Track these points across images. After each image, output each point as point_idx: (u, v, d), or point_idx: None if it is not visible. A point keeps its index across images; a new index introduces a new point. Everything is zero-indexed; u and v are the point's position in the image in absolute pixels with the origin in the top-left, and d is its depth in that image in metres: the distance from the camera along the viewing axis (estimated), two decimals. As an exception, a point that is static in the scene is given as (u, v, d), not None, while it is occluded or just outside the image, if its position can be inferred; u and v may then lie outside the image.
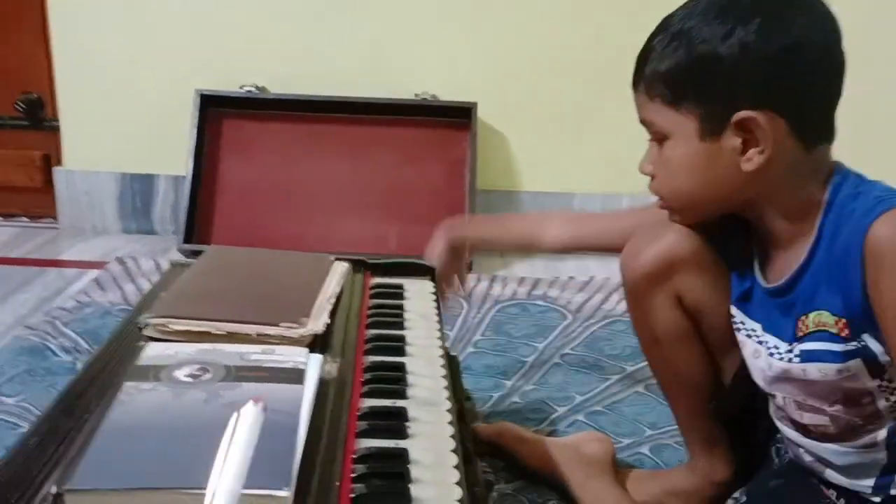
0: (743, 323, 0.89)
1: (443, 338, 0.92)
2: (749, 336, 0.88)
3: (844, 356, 0.77)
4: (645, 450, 1.17)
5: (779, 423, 0.89)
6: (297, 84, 2.04)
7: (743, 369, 0.91)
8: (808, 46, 0.75)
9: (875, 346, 0.75)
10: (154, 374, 0.71)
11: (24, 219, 2.23)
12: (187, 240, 1.96)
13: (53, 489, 0.54)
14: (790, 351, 0.82)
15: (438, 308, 1.02)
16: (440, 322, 0.97)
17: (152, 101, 2.07)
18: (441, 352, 0.88)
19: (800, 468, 0.90)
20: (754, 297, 0.87)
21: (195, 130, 2.00)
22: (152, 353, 0.76)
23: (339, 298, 0.94)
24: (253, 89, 2.03)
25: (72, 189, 2.14)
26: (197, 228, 1.99)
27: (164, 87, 2.06)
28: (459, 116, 2.03)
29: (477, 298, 1.72)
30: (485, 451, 1.11)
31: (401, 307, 0.99)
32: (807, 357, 0.80)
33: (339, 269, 1.02)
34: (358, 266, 1.09)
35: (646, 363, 1.38)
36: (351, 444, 0.68)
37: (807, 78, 0.76)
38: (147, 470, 0.57)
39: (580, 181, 2.12)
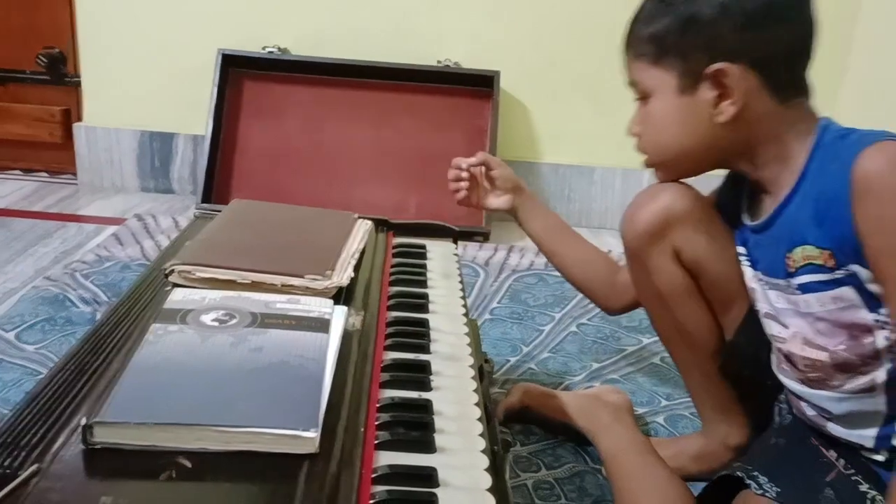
0: (747, 258, 0.91)
1: (464, 297, 0.92)
2: (750, 266, 0.90)
3: (835, 283, 0.78)
4: (660, 419, 1.17)
5: (780, 376, 0.90)
6: (319, 47, 2.03)
7: (746, 324, 0.92)
8: (782, 7, 0.80)
9: (863, 273, 0.76)
10: (181, 317, 0.71)
11: (45, 174, 2.24)
12: (205, 200, 1.96)
13: (83, 421, 0.55)
14: (788, 285, 0.83)
15: (460, 269, 1.01)
16: (462, 283, 0.96)
17: (174, 59, 2.06)
18: (463, 310, 0.88)
19: (801, 428, 0.90)
20: (749, 240, 0.90)
21: (216, 90, 1.99)
22: (178, 297, 0.76)
23: (362, 255, 0.94)
24: (275, 50, 2.02)
25: (92, 145, 2.14)
26: (215, 189, 1.99)
27: (185, 46, 2.05)
28: (482, 85, 2.01)
29: (494, 267, 1.71)
30: (514, 416, 1.12)
31: (424, 266, 0.98)
32: (805, 289, 0.81)
33: (363, 227, 1.02)
34: (381, 225, 1.09)
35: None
36: (375, 393, 0.68)
37: (779, 35, 0.80)
38: (175, 406, 0.58)
39: (601, 155, 2.11)
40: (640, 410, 1.18)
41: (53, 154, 2.22)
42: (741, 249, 0.91)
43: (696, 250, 0.93)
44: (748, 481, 0.83)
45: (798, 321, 0.84)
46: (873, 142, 0.74)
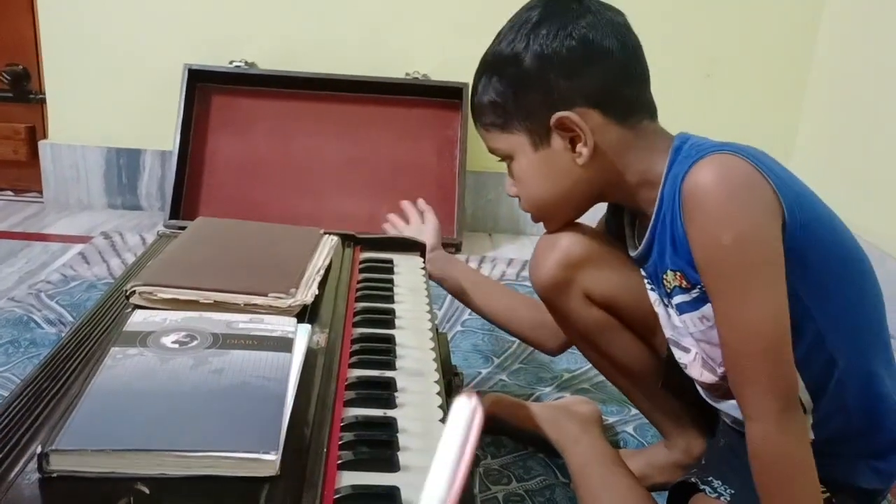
0: (646, 279, 0.92)
1: (432, 311, 0.92)
2: (652, 290, 0.92)
3: (697, 302, 0.81)
4: (630, 428, 1.18)
5: (700, 389, 0.92)
6: (287, 60, 2.03)
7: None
8: (593, 45, 0.82)
9: None
10: (141, 339, 0.70)
11: (9, 192, 2.20)
12: (174, 216, 1.94)
13: (39, 449, 0.54)
14: (669, 306, 0.86)
15: (427, 283, 1.01)
16: (429, 297, 0.97)
17: (140, 74, 2.04)
18: (430, 325, 0.88)
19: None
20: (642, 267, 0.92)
21: (183, 105, 1.98)
22: (139, 319, 0.75)
23: (328, 271, 0.94)
24: (242, 64, 2.01)
25: (57, 163, 2.11)
26: (184, 205, 1.97)
27: (152, 61, 2.03)
28: (451, 97, 2.02)
29: (465, 278, 1.71)
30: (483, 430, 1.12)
31: (391, 281, 0.98)
32: (681, 309, 0.84)
33: (329, 243, 1.01)
34: (347, 241, 1.08)
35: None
36: (339, 412, 0.67)
37: (601, 70, 0.82)
38: (133, 432, 0.57)
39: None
40: (610, 420, 1.19)
41: (18, 172, 2.19)
42: (643, 273, 0.92)
43: (606, 287, 0.94)
44: (702, 486, 0.84)
45: (691, 342, 0.86)
46: (706, 154, 0.76)
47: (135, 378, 0.64)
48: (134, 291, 0.80)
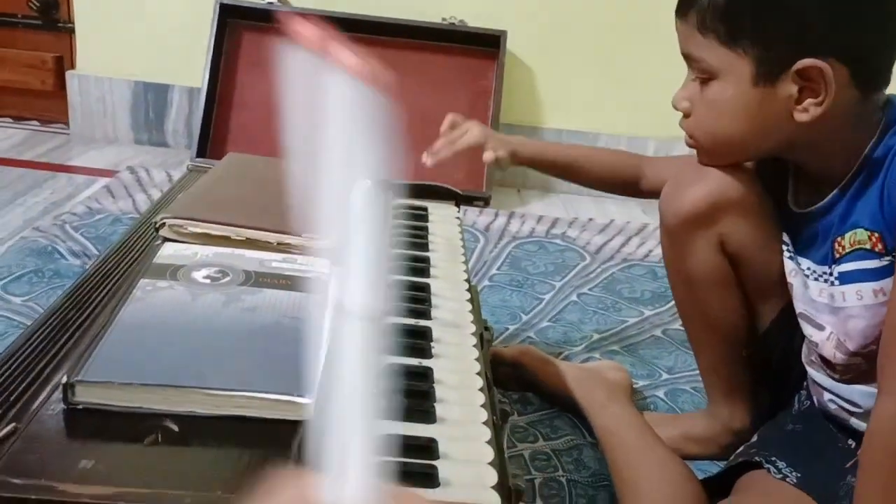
0: (787, 245, 0.86)
1: (467, 262, 0.89)
2: (790, 258, 0.85)
3: (880, 273, 0.74)
4: (660, 393, 1.15)
5: (809, 368, 0.87)
6: (320, 0, 1.97)
7: (782, 316, 0.88)
8: None
9: None
10: (171, 273, 0.68)
11: (35, 122, 2.18)
12: (200, 154, 1.91)
13: (65, 379, 0.51)
14: (830, 273, 0.79)
15: (462, 234, 0.98)
16: (464, 248, 0.93)
17: (171, 7, 1.99)
18: (465, 276, 0.85)
19: (820, 415, 0.88)
20: (793, 227, 0.85)
21: (213, 41, 1.93)
22: (169, 252, 0.72)
23: (361, 215, 0.91)
24: (275, 1, 1.95)
25: (84, 95, 2.08)
26: (211, 143, 1.94)
27: (183, -6, 1.98)
28: (487, 45, 1.96)
29: (494, 233, 1.68)
30: (505, 374, 1.09)
31: (425, 229, 0.95)
32: (845, 279, 0.77)
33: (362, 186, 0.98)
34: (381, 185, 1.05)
35: (664, 309, 1.38)
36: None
37: (873, 24, 0.73)
38: (163, 367, 0.55)
39: (606, 121, 2.06)
40: (640, 384, 1.16)
41: (45, 102, 2.16)
42: (785, 238, 0.86)
43: (744, 240, 0.87)
44: (766, 465, 0.80)
45: (832, 319, 0.80)
46: None
47: (165, 312, 0.61)
48: (164, 223, 0.77)
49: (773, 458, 0.83)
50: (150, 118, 2.08)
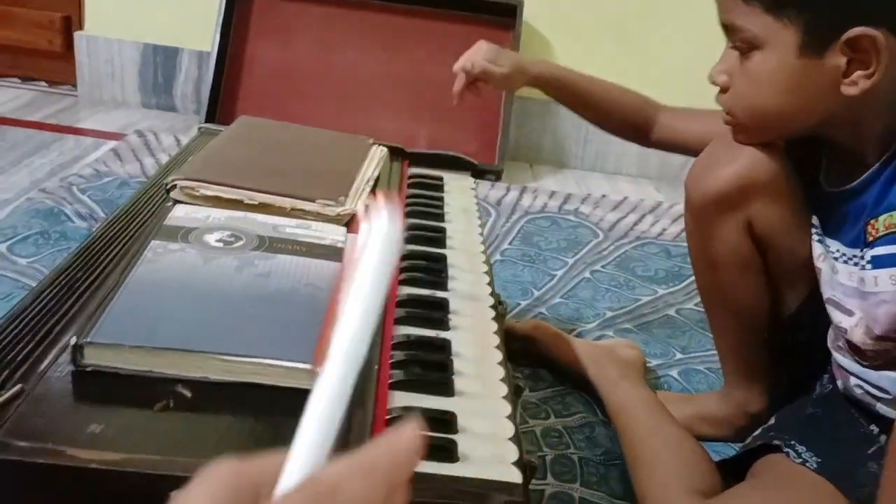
0: (815, 227, 0.83)
1: (483, 234, 0.87)
2: (819, 241, 0.83)
3: None
4: (674, 373, 1.13)
5: (836, 353, 0.85)
6: (335, -36, 1.92)
7: (809, 300, 0.86)
8: None
9: None
10: (183, 235, 0.66)
11: (43, 83, 2.15)
12: (209, 119, 1.88)
13: (73, 340, 0.50)
14: (861, 257, 0.76)
15: (479, 205, 0.96)
16: (481, 219, 0.91)
17: (181, -31, 1.96)
18: (482, 247, 0.83)
19: (841, 400, 0.86)
20: (824, 207, 0.82)
21: (224, 4, 1.89)
22: (181, 213, 0.70)
23: (376, 182, 0.88)
24: (288, -34, 1.91)
25: (93, 56, 2.04)
26: (220, 109, 1.91)
27: (194, -45, 1.94)
28: (504, 14, 1.91)
29: (506, 208, 1.65)
30: (517, 349, 1.07)
31: (441, 199, 0.93)
32: (878, 263, 0.74)
33: (378, 153, 0.95)
34: (396, 154, 1.02)
35: (679, 288, 1.36)
36: (389, 329, 0.63)
37: None
38: (175, 331, 0.53)
39: (623, 96, 2.02)
40: (653, 363, 1.14)
41: (53, 63, 2.12)
42: (814, 220, 0.83)
43: (772, 224, 0.84)
44: (786, 449, 0.78)
45: (861, 304, 0.78)
46: None
47: (176, 274, 0.59)
48: (175, 185, 0.75)
49: (793, 442, 0.81)
50: (159, 82, 2.05)
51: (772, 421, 0.91)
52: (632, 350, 1.09)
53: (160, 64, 2.03)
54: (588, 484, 0.88)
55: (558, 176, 1.99)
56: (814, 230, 0.84)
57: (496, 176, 1.87)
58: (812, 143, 0.83)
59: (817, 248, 0.84)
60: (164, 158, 1.64)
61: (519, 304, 1.25)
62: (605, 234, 1.58)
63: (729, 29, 0.77)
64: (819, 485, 0.77)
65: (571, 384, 1.04)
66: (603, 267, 1.43)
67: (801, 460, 0.79)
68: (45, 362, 0.50)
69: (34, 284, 1.11)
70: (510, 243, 1.48)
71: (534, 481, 0.87)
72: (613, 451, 0.93)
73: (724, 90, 0.81)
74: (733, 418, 0.98)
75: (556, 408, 1.00)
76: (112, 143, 1.75)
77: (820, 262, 0.83)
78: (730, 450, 0.96)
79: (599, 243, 1.53)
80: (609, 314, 1.26)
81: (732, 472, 0.86)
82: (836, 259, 0.81)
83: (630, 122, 1.03)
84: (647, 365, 1.11)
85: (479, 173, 1.82)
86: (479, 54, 1.03)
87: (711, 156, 0.86)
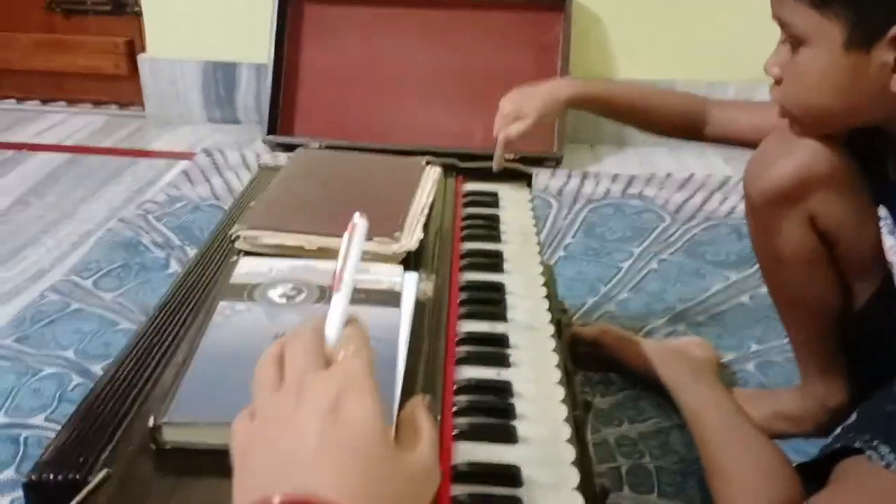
0: (884, 219, 0.81)
1: (542, 253, 0.87)
2: (890, 233, 0.80)
3: None
4: (750, 367, 1.11)
5: None
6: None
7: (879, 292, 0.83)
8: None
9: None
10: (249, 292, 0.68)
11: (114, 106, 2.24)
12: (271, 130, 1.93)
13: (151, 422, 0.53)
14: None
15: (535, 218, 0.95)
16: (538, 235, 0.91)
17: (232, -16, 1.99)
18: (541, 269, 0.83)
19: None
20: (887, 191, 0.80)
21: (276, 15, 1.92)
22: (245, 269, 0.73)
23: (431, 208, 0.89)
24: (334, -30, 1.92)
25: (157, 76, 2.12)
26: (280, 118, 1.95)
27: (243, -30, 1.97)
28: (553, -3, 1.88)
29: (567, 197, 1.64)
30: (585, 355, 1.08)
31: (496, 218, 0.93)
32: None
33: (432, 175, 0.96)
34: (450, 170, 1.03)
35: (751, 272, 1.33)
36: (450, 372, 0.64)
37: None
38: (248, 400, 0.55)
39: (682, 68, 1.96)
40: (727, 357, 1.12)
41: (120, 86, 2.21)
42: (882, 212, 0.81)
43: (836, 217, 0.82)
44: (868, 452, 0.77)
45: None
46: None
47: (245, 338, 0.62)
48: (238, 236, 0.78)
49: (875, 443, 0.79)
50: (221, 96, 2.11)
51: (852, 418, 0.88)
52: (704, 348, 1.07)
53: (220, 79, 2.09)
54: (665, 494, 0.88)
55: (620, 155, 1.96)
56: (883, 221, 0.81)
57: (556, 163, 1.85)
58: (877, 132, 0.80)
59: (889, 241, 0.81)
60: (232, 177, 1.69)
61: (585, 304, 1.25)
62: (672, 217, 1.55)
63: (780, 23, 0.77)
64: (904, 489, 0.75)
65: (643, 387, 1.04)
66: (671, 255, 1.40)
67: (884, 463, 0.77)
68: (127, 443, 0.53)
69: (119, 319, 1.18)
70: (573, 237, 1.47)
71: (609, 495, 0.87)
72: (690, 458, 0.92)
73: (777, 82, 0.80)
74: (812, 414, 0.95)
75: (629, 413, 1.00)
76: (182, 163, 1.81)
77: (892, 256, 0.80)
78: (810, 447, 0.95)
79: (666, 228, 1.50)
80: (679, 307, 1.24)
81: (813, 474, 0.84)
82: None
83: (678, 124, 1.01)
84: (722, 361, 1.10)
85: (537, 162, 1.81)
86: (500, 122, 0.99)
87: (767, 151, 0.85)
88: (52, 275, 1.32)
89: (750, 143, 0.90)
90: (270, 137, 1.91)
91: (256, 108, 2.09)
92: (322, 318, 0.46)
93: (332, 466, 0.36)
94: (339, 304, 0.46)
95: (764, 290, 1.27)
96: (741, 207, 1.59)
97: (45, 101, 2.25)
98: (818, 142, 0.80)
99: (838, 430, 0.87)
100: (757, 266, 1.32)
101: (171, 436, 0.53)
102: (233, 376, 0.58)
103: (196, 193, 1.63)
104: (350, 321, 0.46)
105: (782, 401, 0.98)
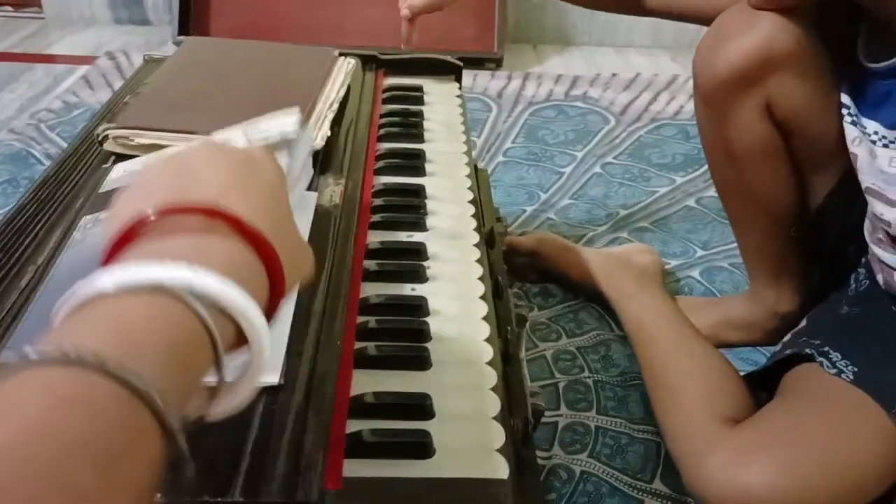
0: (847, 108, 0.73)
1: (469, 152, 0.77)
2: (853, 123, 0.73)
3: None
4: (695, 273, 1.04)
5: (875, 247, 0.75)
6: None
7: (839, 188, 0.76)
8: None
9: None
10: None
11: (8, 8, 2.01)
12: (182, 30, 1.75)
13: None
14: (888, 145, 0.68)
15: (464, 115, 0.85)
16: (467, 133, 0.81)
17: None
18: (468, 170, 0.74)
19: (881, 294, 0.78)
20: (861, 87, 0.72)
21: None
22: (117, 175, 0.62)
23: (344, 103, 0.78)
24: None
25: (54, -28, 1.90)
26: (193, 18, 1.77)
27: None
28: None
29: (508, 99, 1.53)
30: (523, 265, 1.00)
31: (420, 114, 0.82)
32: None
33: (345, 67, 0.84)
34: (369, 63, 0.91)
35: (698, 174, 1.26)
36: (356, 289, 0.55)
37: None
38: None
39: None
40: (672, 263, 1.05)
41: (14, -16, 1.98)
42: (846, 100, 0.73)
43: (796, 104, 0.73)
44: (819, 358, 0.71)
45: None
46: None
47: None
48: (107, 136, 0.66)
49: (826, 349, 0.73)
50: (128, -7, 1.90)
51: (803, 323, 0.83)
52: (648, 255, 1.00)
53: (126, -26, 1.88)
54: (604, 410, 0.82)
55: (565, 55, 1.84)
56: (845, 110, 0.74)
57: (496, 64, 1.73)
58: (848, 13, 0.71)
59: (851, 132, 0.73)
60: (137, 81, 1.53)
61: (525, 211, 1.16)
62: (617, 118, 1.46)
63: None
64: (856, 399, 0.70)
65: (584, 299, 0.97)
66: (615, 158, 1.32)
67: (835, 370, 0.72)
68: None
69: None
70: (513, 141, 1.37)
71: (545, 414, 0.81)
72: (631, 371, 0.86)
73: None
74: (762, 321, 0.90)
75: (568, 326, 0.93)
76: (83, 69, 1.64)
77: (855, 147, 0.73)
78: (759, 355, 0.90)
79: (611, 130, 1.41)
80: (623, 212, 1.17)
81: (762, 384, 0.79)
82: (874, 143, 0.70)
83: None
84: (666, 268, 1.03)
85: (477, 63, 1.69)
86: None
87: (723, 26, 0.75)
88: (-68, 192, 1.17)
89: (703, 18, 0.80)
90: (182, 38, 1.73)
91: (167, 7, 1.89)
92: None
93: (216, 177, 0.33)
94: None
95: (711, 192, 1.20)
96: (689, 107, 1.52)
97: (-71, 2, 2.01)
98: (783, 16, 0.71)
99: (788, 337, 0.81)
100: (705, 167, 1.26)
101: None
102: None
103: (96, 100, 1.47)
104: None
105: (730, 308, 0.92)
